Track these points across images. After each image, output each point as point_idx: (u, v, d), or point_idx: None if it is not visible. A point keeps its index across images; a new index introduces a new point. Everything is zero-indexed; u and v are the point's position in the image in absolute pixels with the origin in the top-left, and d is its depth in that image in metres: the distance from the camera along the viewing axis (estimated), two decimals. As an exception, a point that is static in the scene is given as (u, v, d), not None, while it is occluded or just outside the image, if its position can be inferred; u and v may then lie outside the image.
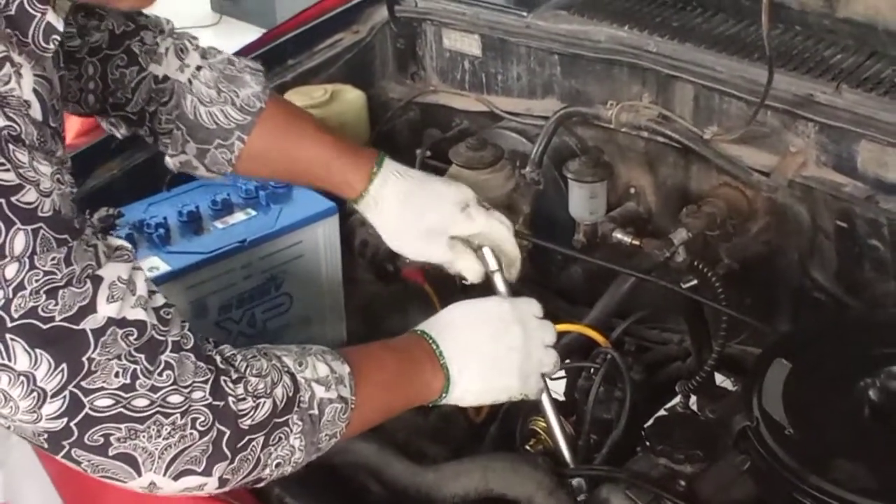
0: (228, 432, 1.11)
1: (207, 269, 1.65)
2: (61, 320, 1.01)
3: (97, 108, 1.46)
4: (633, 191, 1.96)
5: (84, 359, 1.03)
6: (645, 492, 1.29)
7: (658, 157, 1.91)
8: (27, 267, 0.98)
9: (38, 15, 1.03)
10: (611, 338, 1.63)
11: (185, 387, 1.09)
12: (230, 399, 1.12)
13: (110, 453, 1.06)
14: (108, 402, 1.04)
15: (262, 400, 1.14)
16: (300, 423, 1.17)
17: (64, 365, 1.02)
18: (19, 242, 0.98)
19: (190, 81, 1.46)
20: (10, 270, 0.98)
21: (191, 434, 1.09)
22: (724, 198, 1.79)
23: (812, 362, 1.36)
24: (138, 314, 1.07)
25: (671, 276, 1.68)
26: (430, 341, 1.34)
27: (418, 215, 1.47)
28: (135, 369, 1.06)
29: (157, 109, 1.46)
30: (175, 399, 1.08)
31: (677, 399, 1.61)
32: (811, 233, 1.73)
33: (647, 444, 1.32)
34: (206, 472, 1.11)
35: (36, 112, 1.01)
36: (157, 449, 1.08)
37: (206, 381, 1.10)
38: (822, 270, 1.75)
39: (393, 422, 1.58)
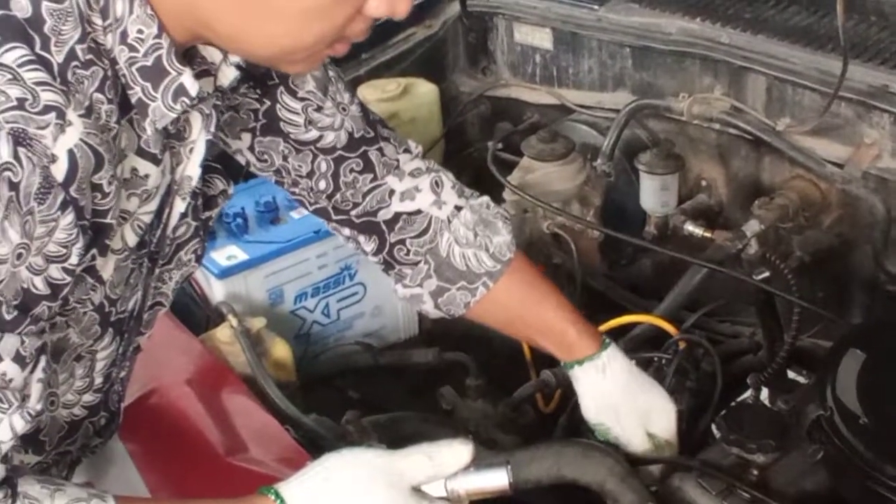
0: None
1: (284, 259, 1.69)
2: None
3: (323, 205, 1.40)
4: (704, 183, 1.96)
5: None
6: (717, 481, 1.29)
7: (730, 150, 1.90)
8: None
9: (174, 73, 1.01)
10: (682, 329, 1.63)
11: None
12: None
13: None
14: None
15: None
16: None
17: None
18: None
19: (448, 220, 1.41)
20: None
21: None
22: (796, 190, 1.78)
23: (887, 353, 1.35)
24: None
25: (743, 268, 1.67)
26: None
27: (641, 391, 1.43)
28: None
29: (406, 240, 1.41)
30: None
31: (748, 392, 1.61)
32: (885, 225, 1.72)
33: (720, 433, 1.33)
34: None
35: (59, 171, 0.93)
36: None
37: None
38: (896, 263, 1.73)
39: (463, 411, 1.61)
